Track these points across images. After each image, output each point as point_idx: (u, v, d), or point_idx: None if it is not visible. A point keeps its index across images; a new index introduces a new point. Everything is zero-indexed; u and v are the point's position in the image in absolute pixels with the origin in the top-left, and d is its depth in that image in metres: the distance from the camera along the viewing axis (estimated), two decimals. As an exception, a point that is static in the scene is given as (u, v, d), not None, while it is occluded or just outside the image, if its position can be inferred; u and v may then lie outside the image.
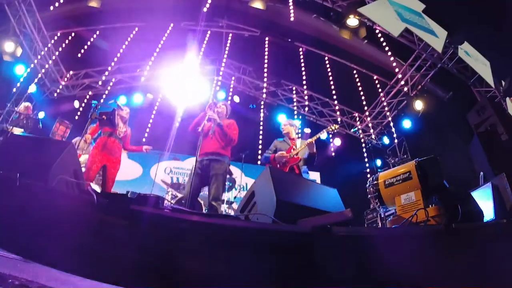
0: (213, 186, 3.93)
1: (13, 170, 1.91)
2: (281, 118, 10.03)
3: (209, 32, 9.61)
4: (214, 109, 4.31)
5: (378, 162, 9.92)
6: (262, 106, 10.34)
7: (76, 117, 9.43)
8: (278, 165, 4.35)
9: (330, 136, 10.28)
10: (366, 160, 10.28)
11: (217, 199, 3.92)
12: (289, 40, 9.19)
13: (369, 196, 2.90)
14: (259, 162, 9.68)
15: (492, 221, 2.45)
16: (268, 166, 2.57)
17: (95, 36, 9.10)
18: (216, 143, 4.13)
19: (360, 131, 10.14)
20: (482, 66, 7.21)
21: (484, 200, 2.76)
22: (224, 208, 6.48)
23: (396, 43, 7.56)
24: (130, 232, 1.77)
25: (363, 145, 10.35)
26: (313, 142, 4.29)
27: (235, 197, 7.31)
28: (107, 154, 4.48)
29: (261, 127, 10.45)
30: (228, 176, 4.24)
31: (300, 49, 9.71)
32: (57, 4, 7.81)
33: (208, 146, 4.10)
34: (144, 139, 9.39)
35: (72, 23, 8.56)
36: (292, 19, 7.72)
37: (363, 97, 10.02)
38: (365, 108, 9.98)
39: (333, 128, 4.58)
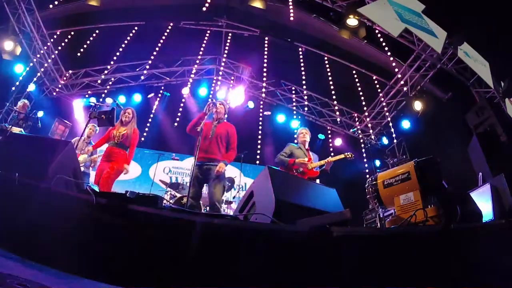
0: (215, 188, 3.98)
1: (12, 169, 1.91)
2: (280, 118, 10.06)
3: (209, 31, 9.61)
4: (213, 109, 4.31)
5: (377, 163, 9.92)
6: (261, 106, 10.34)
7: (75, 116, 9.42)
8: (295, 172, 4.41)
9: (329, 135, 10.33)
10: (365, 160, 10.29)
11: (219, 201, 3.99)
12: (289, 40, 9.19)
13: (368, 196, 2.91)
14: (257, 162, 9.68)
15: (491, 221, 2.46)
16: (267, 166, 2.57)
17: (94, 35, 9.09)
18: (216, 146, 4.13)
19: (359, 131, 10.15)
20: (481, 67, 7.21)
21: (483, 200, 2.77)
22: (223, 208, 6.49)
23: (396, 43, 7.56)
24: (129, 232, 1.77)
25: (362, 145, 10.36)
26: (332, 162, 4.61)
27: (234, 197, 7.31)
28: (106, 161, 4.62)
29: (260, 127, 10.46)
30: (226, 181, 4.32)
31: (300, 49, 9.71)
32: (56, 3, 7.80)
33: (208, 149, 4.09)
34: (143, 139, 9.38)
35: (71, 22, 8.54)
36: (292, 19, 7.72)
37: (362, 97, 10.03)
38: (364, 108, 9.98)
39: (350, 155, 4.82)
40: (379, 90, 9.46)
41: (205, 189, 4.32)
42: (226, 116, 4.65)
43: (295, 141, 4.92)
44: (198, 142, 3.94)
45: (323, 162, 4.62)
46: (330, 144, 10.45)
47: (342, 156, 4.77)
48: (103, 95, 9.68)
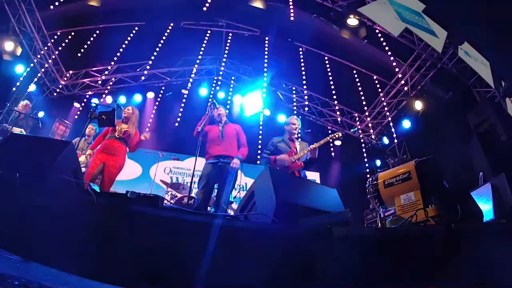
0: (225, 189, 4.05)
1: (13, 170, 1.91)
2: (281, 118, 10.05)
3: (209, 31, 9.62)
4: (214, 109, 4.40)
5: (378, 162, 9.93)
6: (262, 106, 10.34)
7: (76, 117, 9.44)
8: (279, 168, 4.30)
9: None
10: (365, 160, 10.29)
11: (227, 202, 4.06)
12: (289, 40, 9.19)
13: (368, 196, 2.91)
14: (258, 162, 9.69)
15: (492, 221, 2.45)
16: (268, 166, 2.57)
17: (95, 35, 9.10)
18: (229, 145, 4.24)
19: (360, 131, 10.15)
20: (482, 67, 7.21)
21: (483, 200, 2.76)
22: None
23: (396, 43, 7.56)
24: (130, 232, 1.77)
25: (363, 145, 10.36)
26: (317, 148, 4.26)
27: (234, 197, 7.30)
28: (106, 154, 4.49)
29: (260, 127, 10.47)
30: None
31: (300, 49, 9.71)
32: (57, 3, 7.80)
33: (220, 149, 4.19)
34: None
35: (72, 22, 8.55)
36: (292, 19, 7.72)
37: (363, 97, 10.03)
38: (365, 108, 9.98)
39: (337, 135, 4.61)
40: (379, 90, 9.46)
41: None
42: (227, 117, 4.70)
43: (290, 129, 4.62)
44: (208, 144, 4.06)
45: (306, 151, 4.29)
46: (331, 144, 10.45)
47: (327, 139, 4.40)
48: (103, 96, 9.69)
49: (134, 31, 9.31)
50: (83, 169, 4.61)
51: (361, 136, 10.17)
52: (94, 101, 4.74)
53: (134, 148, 4.78)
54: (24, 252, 1.62)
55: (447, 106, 7.85)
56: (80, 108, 9.60)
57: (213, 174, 4.08)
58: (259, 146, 10.06)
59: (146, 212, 1.86)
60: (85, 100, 9.59)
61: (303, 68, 10.12)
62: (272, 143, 4.49)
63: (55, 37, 8.67)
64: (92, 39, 9.09)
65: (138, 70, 9.68)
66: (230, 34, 9.56)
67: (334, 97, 10.16)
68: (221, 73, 10.14)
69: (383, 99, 9.34)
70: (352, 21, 6.73)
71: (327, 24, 7.62)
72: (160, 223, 1.84)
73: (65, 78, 9.32)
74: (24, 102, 7.07)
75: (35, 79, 8.52)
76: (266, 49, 9.85)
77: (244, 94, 9.91)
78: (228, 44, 9.82)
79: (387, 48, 8.29)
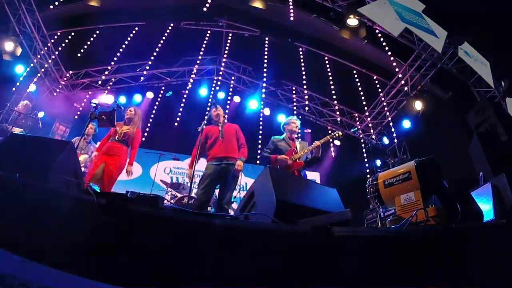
0: (228, 190, 4.10)
1: (13, 170, 1.91)
2: (281, 118, 10.05)
3: (209, 31, 9.62)
4: (213, 110, 4.42)
5: (378, 162, 9.93)
6: (262, 106, 10.34)
7: (76, 117, 9.44)
8: (279, 167, 4.31)
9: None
10: (365, 160, 10.29)
11: (229, 202, 4.08)
12: (289, 40, 9.19)
13: (368, 196, 2.90)
14: (258, 162, 9.68)
15: (492, 221, 2.45)
16: (268, 166, 2.57)
17: (95, 35, 9.09)
18: (230, 145, 4.27)
19: (360, 131, 10.14)
20: (481, 66, 7.21)
21: (483, 200, 2.76)
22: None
23: (396, 43, 7.56)
24: (130, 232, 1.77)
25: (363, 145, 10.36)
26: (320, 146, 4.26)
27: (234, 197, 7.28)
28: (106, 154, 4.58)
29: (260, 126, 10.47)
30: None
31: (300, 49, 9.70)
32: (57, 3, 7.80)
33: (221, 150, 4.21)
34: (143, 139, 9.39)
35: (72, 22, 8.55)
36: (292, 19, 7.73)
37: (363, 97, 10.03)
38: (365, 108, 9.98)
39: (338, 134, 4.58)
40: (379, 90, 9.46)
41: None
42: (226, 117, 4.72)
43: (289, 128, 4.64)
44: (208, 145, 4.07)
45: (306, 150, 4.31)
46: (331, 144, 10.45)
47: (328, 137, 4.40)
48: (103, 96, 9.68)
49: (134, 31, 9.31)
50: (83, 169, 4.64)
51: (361, 136, 10.17)
52: (94, 101, 4.68)
53: (135, 147, 4.84)
54: (24, 252, 1.62)
55: (447, 106, 7.85)
56: (80, 108, 9.59)
57: (216, 175, 4.10)
58: (259, 146, 10.06)
59: (146, 212, 1.86)
60: (85, 100, 9.59)
61: (303, 68, 10.12)
62: (273, 142, 4.53)
63: (55, 37, 8.66)
64: (92, 39, 9.09)
65: (138, 70, 9.68)
66: (230, 34, 9.55)
67: (334, 97, 10.15)
68: (221, 73, 10.14)
69: (383, 99, 9.33)
70: (352, 21, 6.73)
71: (327, 24, 7.62)
72: (160, 223, 1.84)
73: (65, 78, 9.33)
74: (24, 102, 7.08)
75: (35, 79, 8.51)
76: (266, 49, 9.85)
77: (244, 95, 9.94)
78: (228, 44, 9.81)
79: (387, 48, 8.28)
